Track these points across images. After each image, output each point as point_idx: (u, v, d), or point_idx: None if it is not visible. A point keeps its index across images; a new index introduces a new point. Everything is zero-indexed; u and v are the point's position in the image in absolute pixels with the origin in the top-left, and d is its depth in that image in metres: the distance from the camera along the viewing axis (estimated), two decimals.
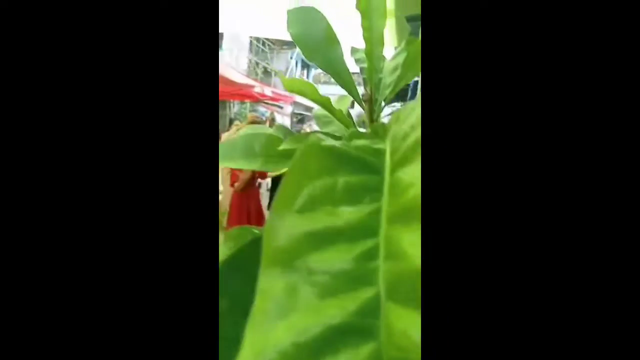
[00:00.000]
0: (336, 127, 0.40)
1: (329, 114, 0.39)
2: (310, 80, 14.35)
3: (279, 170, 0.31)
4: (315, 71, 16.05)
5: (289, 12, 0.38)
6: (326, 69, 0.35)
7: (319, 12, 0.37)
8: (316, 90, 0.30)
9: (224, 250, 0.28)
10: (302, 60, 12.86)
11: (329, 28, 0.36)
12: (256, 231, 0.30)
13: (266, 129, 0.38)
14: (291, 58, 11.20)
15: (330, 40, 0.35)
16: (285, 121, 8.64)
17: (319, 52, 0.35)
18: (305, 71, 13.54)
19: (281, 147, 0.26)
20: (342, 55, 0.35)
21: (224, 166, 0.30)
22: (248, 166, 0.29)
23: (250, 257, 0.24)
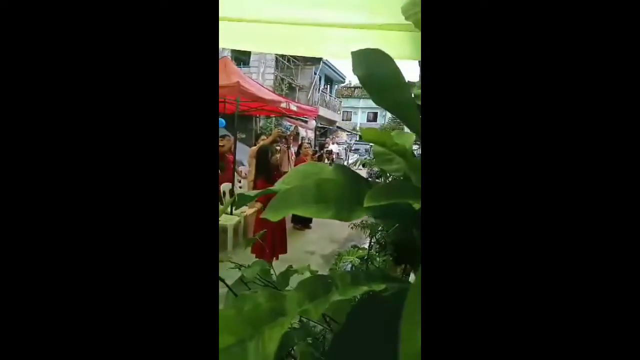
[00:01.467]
0: (398, 166, 0.39)
1: (390, 152, 0.38)
2: (333, 96, 14.49)
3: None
4: (338, 86, 16.22)
5: (353, 53, 0.38)
6: (395, 112, 0.34)
7: (385, 53, 0.36)
8: (392, 138, 0.29)
9: (296, 298, 0.27)
10: (326, 76, 13.08)
11: (396, 70, 0.35)
12: (330, 281, 0.29)
13: (325, 167, 0.38)
14: (315, 74, 11.43)
15: (398, 82, 0.35)
16: (309, 135, 8.75)
17: (387, 95, 0.34)
18: (328, 86, 13.75)
19: (366, 205, 0.26)
20: (412, 98, 0.34)
21: (297, 213, 0.29)
22: (320, 215, 0.29)
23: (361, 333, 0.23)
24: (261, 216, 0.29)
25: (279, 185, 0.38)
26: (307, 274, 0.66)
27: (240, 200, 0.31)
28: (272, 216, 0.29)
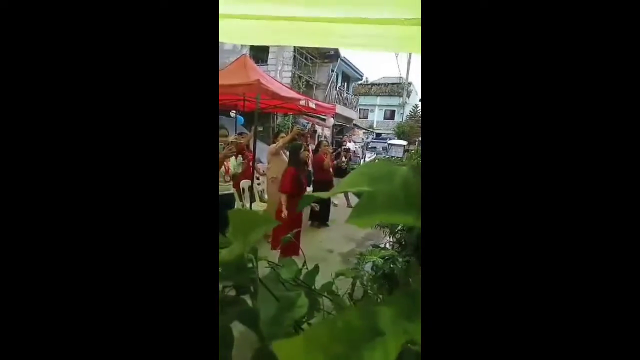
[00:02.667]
0: None
1: None
2: (350, 93, 14.41)
3: None
4: (355, 83, 16.12)
5: None
6: None
7: None
8: None
9: (390, 315, 0.25)
10: (343, 73, 13.01)
11: None
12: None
13: (396, 167, 0.35)
14: (332, 71, 11.38)
15: None
16: (326, 132, 8.74)
17: None
18: (345, 83, 13.67)
19: None
20: None
21: (386, 221, 0.26)
22: (414, 223, 0.26)
23: None
24: (346, 222, 0.26)
25: (342, 187, 0.35)
26: (350, 278, 0.63)
27: (303, 201, 0.30)
28: (358, 223, 0.26)
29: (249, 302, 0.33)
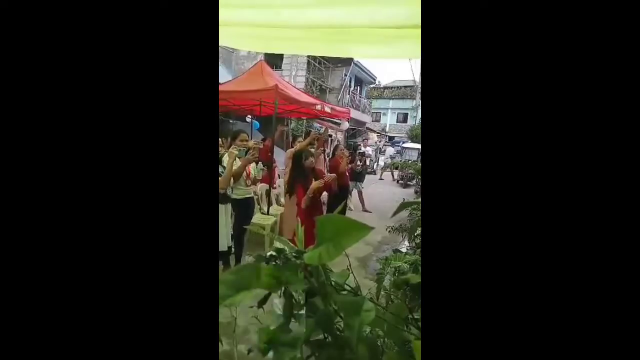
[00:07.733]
0: None
1: None
2: (363, 96, 14.35)
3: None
4: (368, 87, 16.06)
5: None
6: None
7: None
8: None
9: None
10: (356, 77, 13.00)
11: None
12: None
13: None
14: (345, 75, 11.39)
15: None
16: (339, 136, 8.72)
17: None
18: (358, 87, 13.64)
19: None
20: None
21: None
22: None
23: None
24: None
25: None
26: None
27: (400, 207, 0.31)
28: None
29: (321, 305, 0.34)
